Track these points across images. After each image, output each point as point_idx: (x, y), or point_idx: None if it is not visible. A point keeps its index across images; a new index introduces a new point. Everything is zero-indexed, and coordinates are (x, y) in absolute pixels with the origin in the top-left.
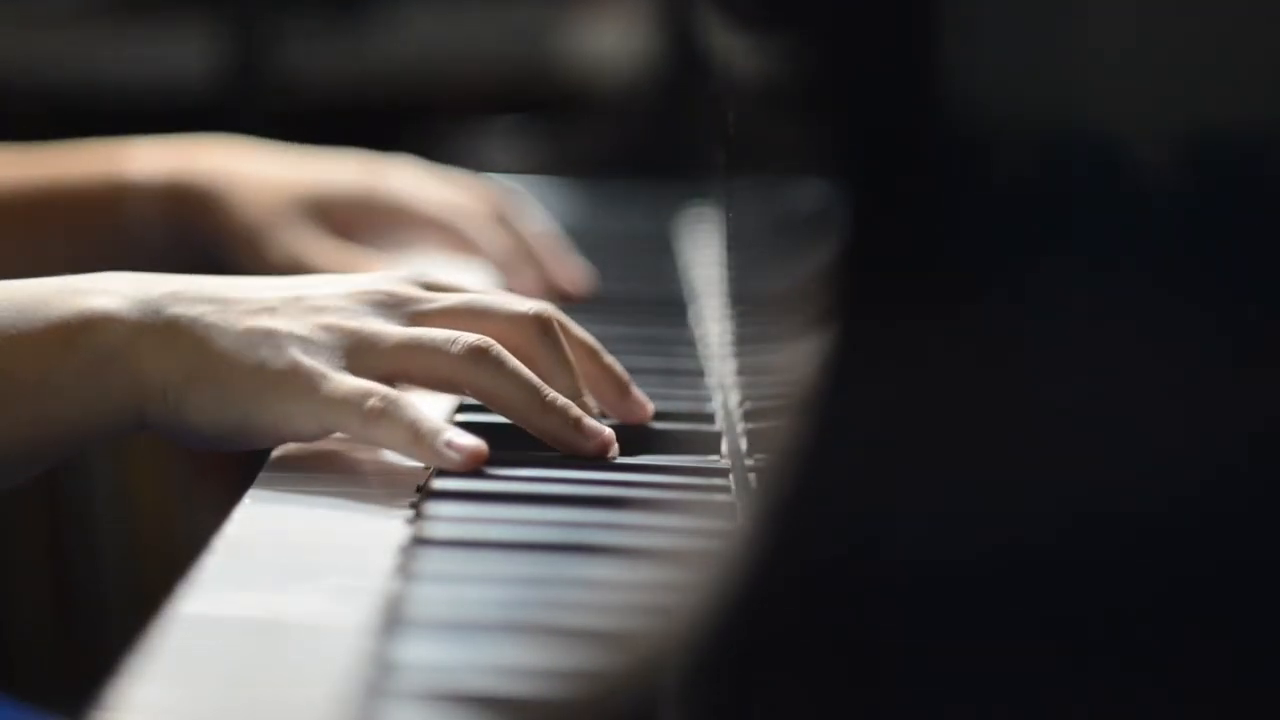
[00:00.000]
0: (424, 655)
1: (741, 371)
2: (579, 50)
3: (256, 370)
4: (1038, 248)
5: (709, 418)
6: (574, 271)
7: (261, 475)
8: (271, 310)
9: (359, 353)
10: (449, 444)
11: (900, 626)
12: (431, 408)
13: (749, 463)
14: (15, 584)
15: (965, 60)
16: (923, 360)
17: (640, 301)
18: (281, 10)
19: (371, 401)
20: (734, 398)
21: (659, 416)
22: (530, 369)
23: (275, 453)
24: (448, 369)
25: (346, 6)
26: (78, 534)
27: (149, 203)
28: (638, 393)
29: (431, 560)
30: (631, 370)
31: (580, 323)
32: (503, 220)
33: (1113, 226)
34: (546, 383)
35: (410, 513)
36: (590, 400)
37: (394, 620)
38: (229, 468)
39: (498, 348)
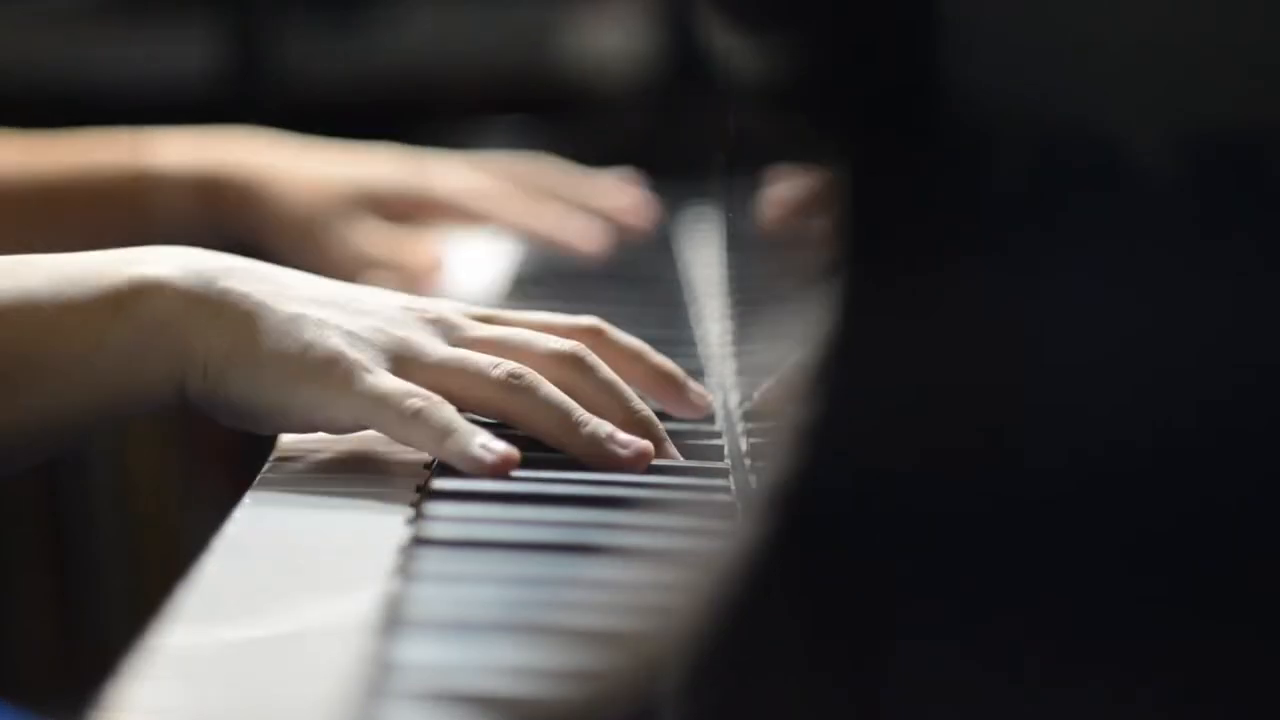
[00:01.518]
0: (424, 655)
1: (741, 371)
2: (579, 50)
3: (300, 354)
4: (1038, 247)
5: (709, 418)
6: (635, 208)
7: (261, 475)
8: (323, 303)
9: (403, 360)
10: (483, 446)
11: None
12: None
13: (749, 463)
14: (15, 584)
15: (965, 59)
16: (921, 360)
17: (640, 301)
18: (281, 10)
19: (411, 401)
20: (734, 398)
21: (659, 416)
22: (574, 398)
23: (276, 452)
24: (486, 392)
25: (347, 6)
26: (78, 534)
27: (179, 194)
28: (695, 386)
29: (431, 560)
30: None
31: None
32: (552, 193)
33: (1113, 225)
34: (590, 408)
35: (410, 513)
36: (641, 406)
37: (394, 620)
38: (229, 468)
39: (534, 375)
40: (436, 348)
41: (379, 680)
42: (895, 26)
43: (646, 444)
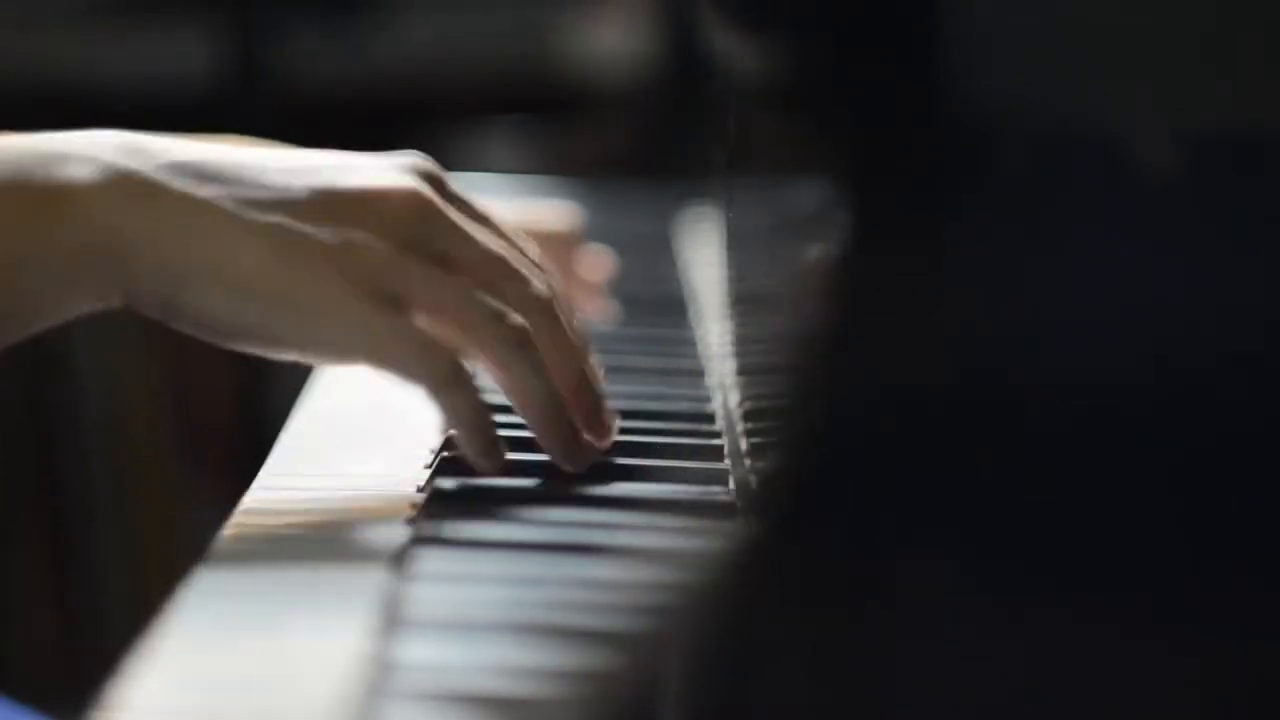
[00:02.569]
0: (424, 655)
1: (741, 371)
2: (579, 50)
3: (277, 274)
4: (1040, 248)
5: (709, 418)
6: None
7: (261, 475)
8: (297, 206)
9: (402, 282)
10: (501, 443)
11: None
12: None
13: (749, 463)
14: (16, 585)
15: (965, 58)
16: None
17: (640, 301)
18: (281, 10)
19: (448, 367)
20: (734, 398)
21: (659, 416)
22: (539, 346)
23: (275, 452)
24: (488, 342)
25: (347, 6)
26: (78, 534)
27: None
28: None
29: (431, 560)
30: (631, 370)
31: (581, 323)
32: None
33: (1112, 224)
34: (553, 368)
35: (410, 512)
36: (592, 381)
37: (394, 620)
38: (229, 468)
39: (534, 349)
40: (440, 278)
41: (379, 680)
42: (895, 26)
43: (593, 457)
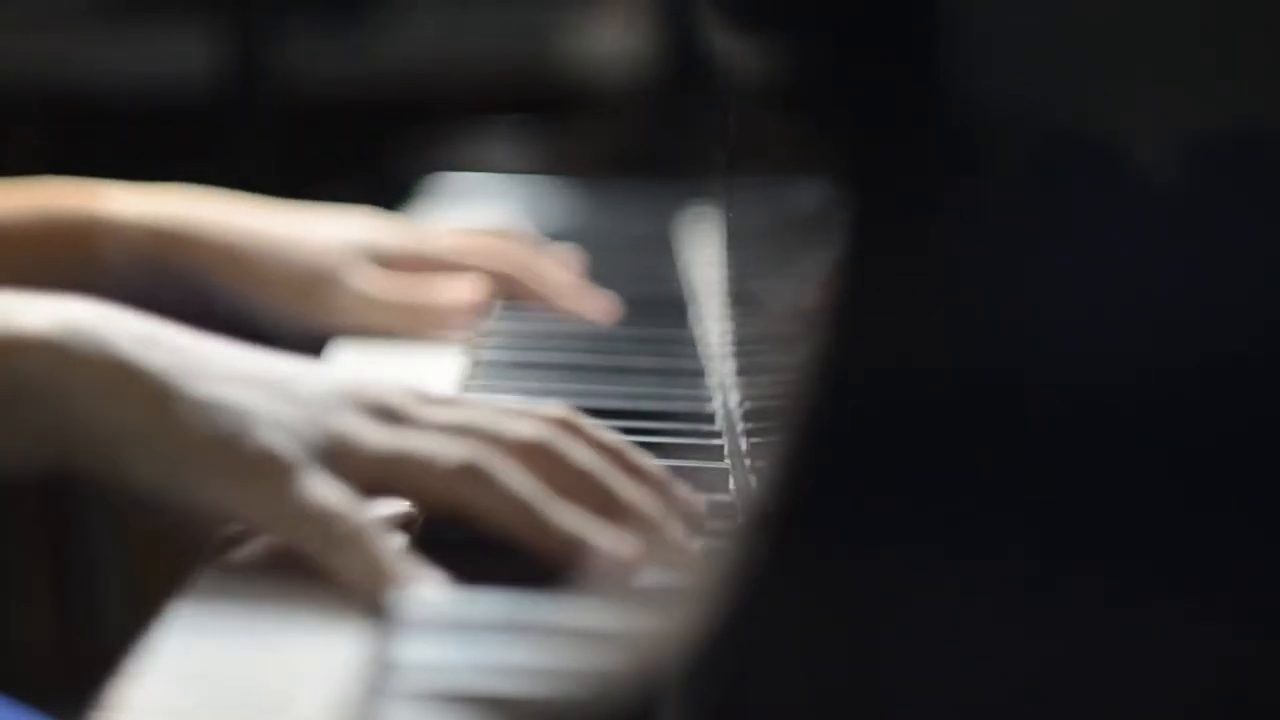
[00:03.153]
0: (424, 655)
1: (741, 371)
2: (579, 50)
3: (216, 445)
4: (1040, 248)
5: (709, 418)
6: (589, 303)
7: None
8: (247, 383)
9: (339, 456)
10: (406, 586)
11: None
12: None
13: (749, 463)
14: (16, 586)
15: (965, 58)
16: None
17: (640, 301)
18: (281, 10)
19: (339, 527)
20: (734, 398)
21: (659, 416)
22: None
23: None
24: (435, 485)
25: (347, 6)
26: (78, 535)
27: (134, 248)
28: (682, 494)
29: (431, 561)
30: (631, 370)
31: (581, 323)
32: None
33: (1112, 224)
34: (568, 497)
35: (411, 512)
36: (629, 494)
37: (394, 620)
38: None
39: (490, 461)
40: (379, 436)
41: (379, 680)
42: (895, 26)
43: (629, 549)
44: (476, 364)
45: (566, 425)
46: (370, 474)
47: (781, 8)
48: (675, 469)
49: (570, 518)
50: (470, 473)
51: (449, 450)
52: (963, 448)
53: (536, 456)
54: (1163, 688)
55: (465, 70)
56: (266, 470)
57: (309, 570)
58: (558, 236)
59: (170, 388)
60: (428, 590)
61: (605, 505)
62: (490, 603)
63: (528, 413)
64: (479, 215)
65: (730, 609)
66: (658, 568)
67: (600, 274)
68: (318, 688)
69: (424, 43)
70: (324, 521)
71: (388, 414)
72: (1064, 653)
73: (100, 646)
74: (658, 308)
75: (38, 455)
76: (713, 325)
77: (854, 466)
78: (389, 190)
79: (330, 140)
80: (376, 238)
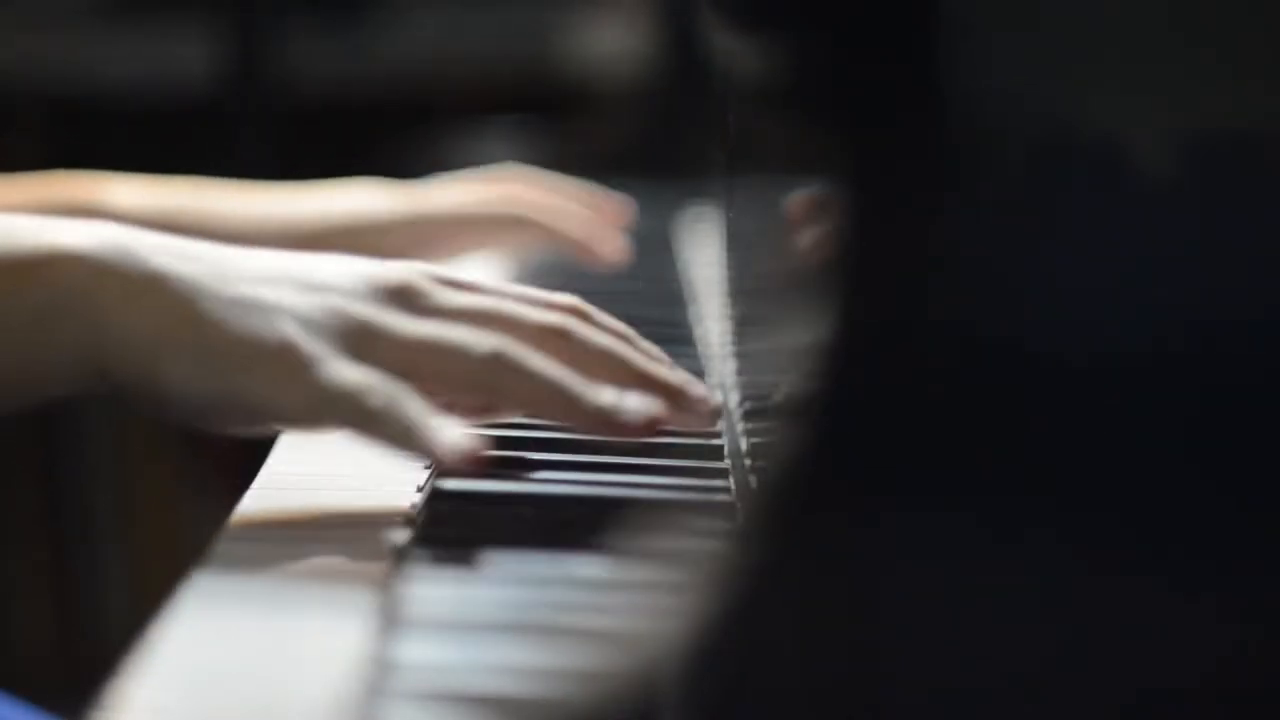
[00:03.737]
0: (424, 655)
1: (741, 371)
2: (579, 50)
3: (246, 341)
4: (1039, 247)
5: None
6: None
7: (261, 475)
8: (270, 281)
9: (365, 343)
10: (446, 444)
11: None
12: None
13: (749, 463)
14: (15, 585)
15: (965, 58)
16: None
17: (640, 301)
18: (281, 10)
19: (371, 399)
20: (734, 398)
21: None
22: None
23: (275, 452)
24: (468, 371)
25: (347, 6)
26: (78, 534)
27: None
28: (694, 386)
29: (431, 560)
30: None
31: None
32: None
33: (1112, 225)
34: (594, 371)
35: (410, 513)
36: (647, 363)
37: (394, 620)
38: (229, 467)
39: (517, 349)
40: (404, 324)
41: (379, 680)
42: (895, 26)
43: (656, 408)
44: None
45: (577, 311)
46: (398, 359)
47: (781, 8)
48: (675, 469)
49: (599, 392)
50: (501, 361)
51: (479, 340)
52: (962, 446)
53: (557, 340)
54: (1162, 682)
55: (465, 70)
56: (294, 360)
57: (309, 570)
58: None
59: (200, 290)
60: (462, 439)
61: (626, 379)
62: (490, 603)
63: (542, 299)
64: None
65: (730, 608)
66: (685, 423)
67: (600, 274)
68: (318, 688)
69: (424, 43)
70: (356, 396)
71: (409, 298)
72: (1064, 649)
73: (100, 646)
74: (658, 308)
75: (77, 371)
76: (713, 325)
77: (854, 465)
78: None
79: (330, 140)
80: (374, 210)
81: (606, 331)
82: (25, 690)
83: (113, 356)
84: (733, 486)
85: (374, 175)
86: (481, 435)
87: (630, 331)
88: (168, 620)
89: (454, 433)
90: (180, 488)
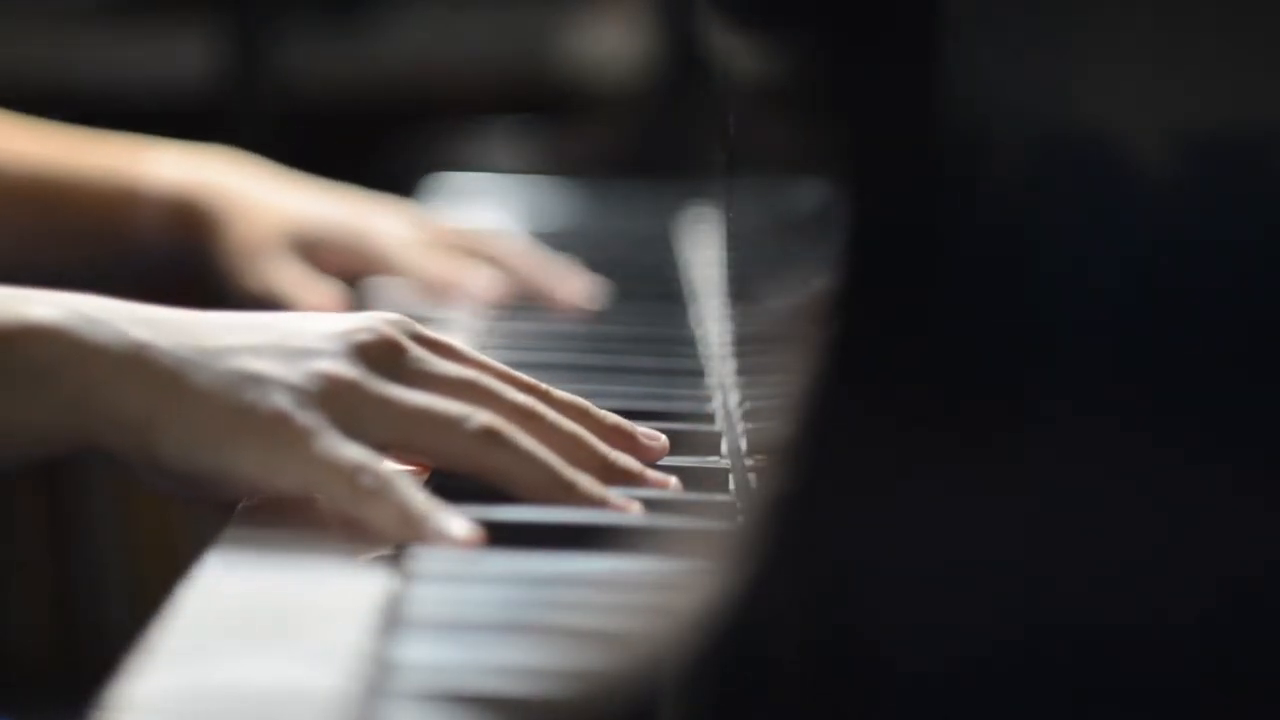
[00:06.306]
0: (424, 655)
1: (741, 371)
2: (579, 51)
3: (239, 413)
4: (1039, 247)
5: (709, 418)
6: (574, 287)
7: None
8: (253, 350)
9: (355, 410)
10: (439, 532)
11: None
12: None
13: (749, 463)
14: (15, 584)
15: (965, 58)
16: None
17: (640, 301)
18: (281, 11)
19: (365, 478)
20: (734, 398)
21: (659, 416)
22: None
23: None
24: (460, 447)
25: (347, 7)
26: (78, 534)
27: (157, 211)
28: (645, 432)
29: (431, 560)
30: (631, 370)
31: (581, 323)
32: (493, 261)
33: (1111, 225)
34: (568, 456)
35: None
36: (617, 454)
37: (394, 620)
38: None
39: (507, 427)
40: (394, 393)
41: (379, 680)
42: (895, 26)
43: (633, 502)
44: None
45: (537, 391)
46: (391, 431)
47: (781, 8)
48: (675, 469)
49: (585, 479)
50: (493, 438)
51: (471, 414)
52: (961, 447)
53: (528, 422)
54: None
55: (465, 70)
56: (287, 433)
57: (309, 570)
58: (558, 236)
59: (184, 364)
60: (456, 526)
61: (591, 464)
62: (490, 603)
63: (508, 375)
64: (467, 215)
65: (729, 607)
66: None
67: (601, 274)
68: (318, 687)
69: (424, 43)
70: (350, 474)
71: (392, 357)
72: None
73: (100, 646)
74: (658, 308)
75: (53, 435)
76: (713, 325)
77: (853, 463)
78: (389, 190)
79: (330, 140)
80: (315, 222)
81: (569, 410)
82: (25, 690)
83: (102, 431)
84: (733, 486)
85: (374, 175)
86: (478, 522)
87: (588, 406)
88: (168, 620)
89: (451, 524)
90: None
